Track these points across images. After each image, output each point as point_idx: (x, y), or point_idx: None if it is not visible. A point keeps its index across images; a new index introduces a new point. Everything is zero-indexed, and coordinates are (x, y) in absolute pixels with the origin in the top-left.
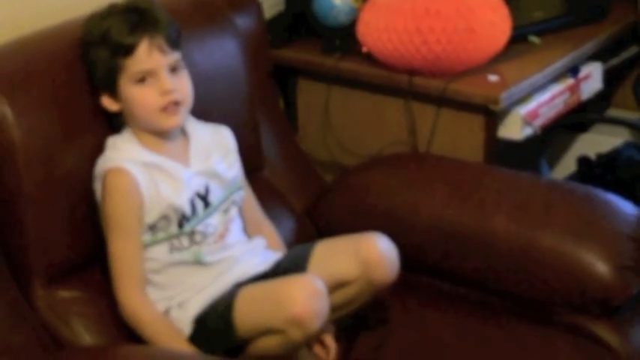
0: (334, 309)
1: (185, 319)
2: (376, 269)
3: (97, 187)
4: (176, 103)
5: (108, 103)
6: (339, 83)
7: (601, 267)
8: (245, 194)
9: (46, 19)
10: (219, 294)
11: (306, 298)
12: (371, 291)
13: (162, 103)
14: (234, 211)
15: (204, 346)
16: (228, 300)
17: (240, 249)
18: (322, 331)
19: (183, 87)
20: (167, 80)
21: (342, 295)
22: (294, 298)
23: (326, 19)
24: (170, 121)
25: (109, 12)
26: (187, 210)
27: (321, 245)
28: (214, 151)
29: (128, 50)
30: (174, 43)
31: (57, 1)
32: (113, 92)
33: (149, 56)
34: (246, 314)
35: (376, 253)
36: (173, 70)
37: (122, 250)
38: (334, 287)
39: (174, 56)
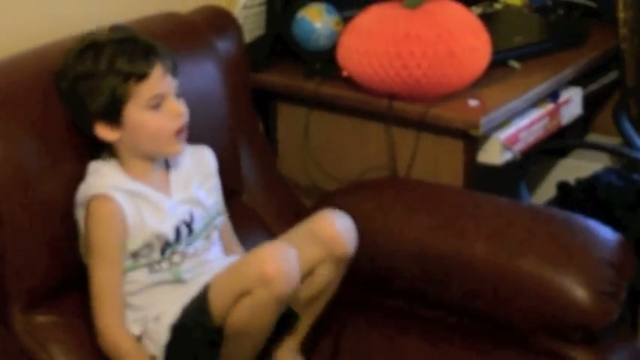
0: (310, 302)
1: (161, 330)
2: (337, 246)
3: (80, 214)
4: (183, 128)
5: (104, 132)
6: (319, 107)
7: (580, 293)
8: (223, 218)
9: (28, 41)
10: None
11: (274, 258)
12: (339, 268)
13: (176, 126)
14: (215, 236)
15: (183, 348)
16: (202, 290)
17: (218, 264)
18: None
19: (186, 112)
20: (178, 104)
21: (314, 282)
22: (263, 257)
23: (306, 43)
24: (178, 147)
25: (102, 44)
26: (171, 237)
27: (280, 240)
28: (194, 178)
29: (142, 76)
30: (176, 69)
31: (39, 23)
32: (114, 121)
33: (162, 80)
34: (218, 287)
35: (333, 230)
36: (177, 96)
37: (105, 278)
38: (304, 276)
39: (176, 82)
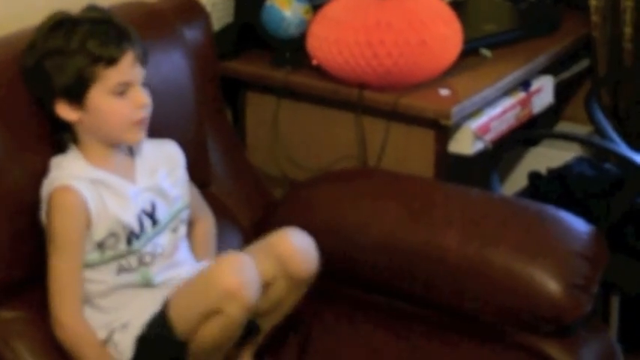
0: (264, 314)
1: (127, 342)
2: (291, 262)
3: (43, 208)
4: (145, 119)
5: (65, 112)
6: (288, 96)
7: (552, 285)
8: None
9: None
10: None
11: (234, 270)
12: (294, 287)
13: (137, 116)
14: (182, 230)
15: None
16: (163, 305)
17: (187, 269)
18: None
19: (150, 103)
20: (143, 94)
21: (268, 298)
22: (223, 272)
23: (276, 31)
24: (138, 136)
25: (75, 22)
26: (135, 227)
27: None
28: (160, 167)
29: (111, 61)
30: (146, 59)
31: (4, 11)
32: (77, 101)
33: (131, 68)
34: (180, 304)
35: (289, 246)
36: (143, 85)
37: (67, 268)
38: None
39: (144, 72)
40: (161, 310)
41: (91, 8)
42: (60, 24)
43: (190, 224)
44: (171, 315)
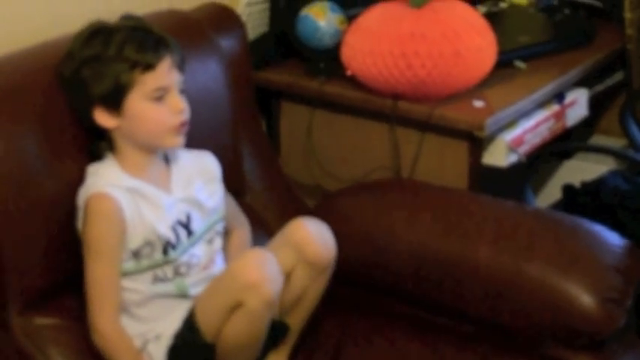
0: (290, 309)
1: (160, 354)
2: (309, 248)
3: (80, 215)
4: (183, 124)
5: (103, 118)
6: (322, 106)
7: (586, 299)
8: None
9: (30, 38)
10: None
11: (255, 264)
12: (314, 274)
13: (176, 122)
14: (218, 242)
15: None
16: (190, 311)
17: None
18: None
19: (187, 109)
20: (181, 100)
21: (290, 289)
22: (245, 266)
23: (310, 41)
24: (176, 141)
25: (113, 30)
26: (171, 237)
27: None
28: (196, 178)
29: (149, 66)
30: (183, 65)
31: (41, 20)
32: (115, 107)
33: (168, 74)
34: (205, 304)
35: (305, 233)
36: (181, 91)
37: (104, 275)
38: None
39: (182, 78)
40: (188, 316)
41: (127, 17)
42: (97, 32)
43: (226, 233)
44: (198, 317)
